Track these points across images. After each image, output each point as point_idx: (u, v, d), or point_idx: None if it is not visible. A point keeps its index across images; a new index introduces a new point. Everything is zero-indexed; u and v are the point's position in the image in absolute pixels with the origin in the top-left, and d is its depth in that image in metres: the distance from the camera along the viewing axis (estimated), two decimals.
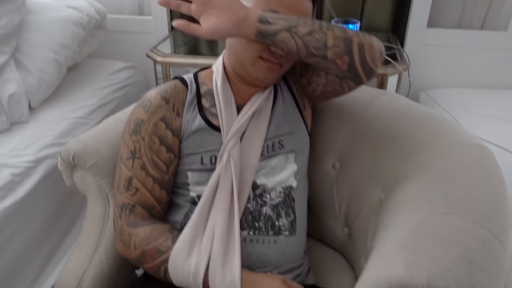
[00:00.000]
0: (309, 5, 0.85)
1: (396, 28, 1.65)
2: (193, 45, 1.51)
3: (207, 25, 0.73)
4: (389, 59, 1.31)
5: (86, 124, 1.30)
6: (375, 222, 0.91)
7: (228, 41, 0.89)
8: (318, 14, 1.66)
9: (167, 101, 0.91)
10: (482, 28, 1.63)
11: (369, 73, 0.81)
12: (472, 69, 1.64)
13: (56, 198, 1.14)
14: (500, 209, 0.75)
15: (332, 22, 1.31)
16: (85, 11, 1.43)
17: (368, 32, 1.54)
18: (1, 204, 0.97)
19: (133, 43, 1.78)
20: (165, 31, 1.74)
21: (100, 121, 1.33)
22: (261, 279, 0.78)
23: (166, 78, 1.42)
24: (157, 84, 1.55)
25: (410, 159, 0.91)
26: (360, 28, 1.48)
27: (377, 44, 0.80)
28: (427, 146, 0.91)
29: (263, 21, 0.76)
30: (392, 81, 1.33)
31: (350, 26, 1.29)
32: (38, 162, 1.10)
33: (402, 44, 1.62)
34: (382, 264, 0.66)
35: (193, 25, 0.74)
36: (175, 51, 1.48)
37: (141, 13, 1.83)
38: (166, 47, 1.49)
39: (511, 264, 0.76)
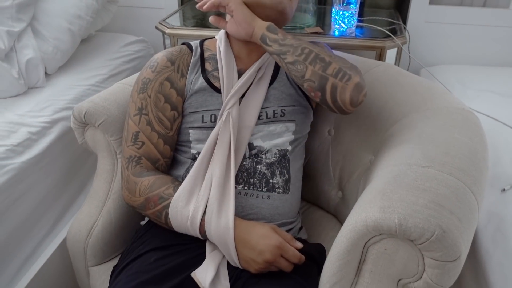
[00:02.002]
0: None
1: (399, 5, 1.68)
2: (201, 19, 1.57)
3: (231, 28, 0.92)
4: (388, 32, 1.35)
5: (98, 91, 1.37)
6: (365, 183, 0.97)
7: None
8: None
9: (172, 62, 0.98)
10: (484, 5, 1.64)
11: (341, 111, 0.88)
12: (473, 47, 1.65)
13: (69, 158, 1.22)
14: (476, 165, 0.80)
15: None
16: None
17: (371, 9, 1.58)
18: (18, 158, 1.05)
19: (144, 17, 1.83)
20: (175, 5, 1.80)
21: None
22: (253, 225, 0.85)
23: None
24: None
25: (398, 122, 0.97)
26: (362, 5, 1.51)
27: (355, 87, 0.84)
28: (415, 110, 0.97)
29: (263, 40, 0.89)
30: (390, 55, 1.37)
31: (352, 1, 1.33)
32: (53, 123, 1.18)
33: (404, 21, 1.65)
34: (361, 209, 0.72)
35: (223, 22, 0.93)
36: (184, 24, 1.54)
37: None
38: (175, 20, 1.55)
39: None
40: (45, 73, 1.32)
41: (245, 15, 0.89)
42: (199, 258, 0.86)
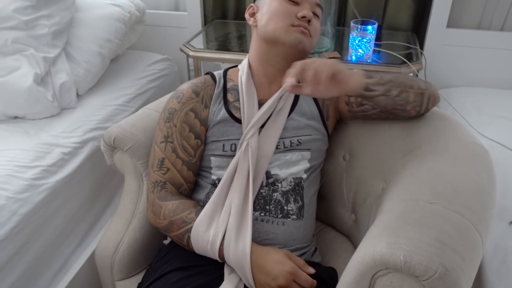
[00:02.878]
0: None
1: (417, 28, 1.71)
2: (223, 41, 1.64)
3: (316, 92, 0.86)
4: (403, 59, 1.39)
5: (125, 111, 1.46)
6: (376, 210, 1.02)
7: (259, 31, 1.02)
8: (342, 14, 1.74)
9: (197, 94, 1.04)
10: (502, 29, 1.66)
11: (419, 116, 1.03)
12: (490, 70, 1.67)
13: (97, 176, 1.30)
14: (483, 202, 0.84)
15: (352, 23, 1.40)
16: (126, 9, 1.57)
17: (389, 31, 1.62)
18: (53, 178, 1.13)
19: (168, 36, 1.91)
20: (199, 26, 1.87)
21: (137, 109, 1.48)
22: (268, 251, 0.90)
23: (197, 70, 1.56)
24: (189, 75, 1.68)
25: (410, 153, 1.01)
26: (380, 28, 1.55)
27: (436, 92, 1.00)
28: (426, 143, 1.01)
29: (367, 89, 0.95)
30: None
31: (369, 26, 1.38)
32: (83, 143, 1.26)
33: (422, 44, 1.68)
34: (370, 243, 0.77)
35: (300, 89, 0.87)
36: (207, 45, 1.61)
37: (176, 9, 1.96)
38: (199, 41, 1.62)
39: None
40: (77, 94, 1.40)
41: (346, 74, 0.90)
42: (219, 280, 0.92)
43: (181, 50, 1.55)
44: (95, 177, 1.29)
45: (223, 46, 1.57)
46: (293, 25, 0.97)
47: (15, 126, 1.25)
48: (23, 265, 1.03)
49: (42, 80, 1.28)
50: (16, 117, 1.30)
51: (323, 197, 1.21)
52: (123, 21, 1.54)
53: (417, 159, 0.97)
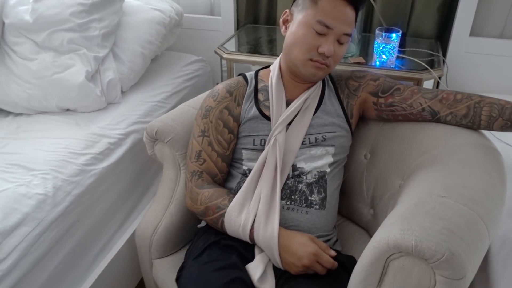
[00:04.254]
0: (352, 15, 1.04)
1: (441, 36, 1.77)
2: (254, 45, 1.74)
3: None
4: (425, 65, 1.46)
5: (163, 107, 1.58)
6: (393, 204, 1.10)
7: (285, 46, 1.11)
8: (368, 21, 1.82)
9: (230, 93, 1.15)
10: None
11: None
12: (510, 78, 1.72)
13: (137, 165, 1.43)
14: (491, 198, 0.91)
15: (377, 30, 1.48)
16: (167, 13, 1.70)
17: (413, 38, 1.69)
18: (100, 165, 1.26)
19: (203, 39, 2.02)
20: (232, 29, 1.98)
21: (173, 106, 1.60)
22: (294, 234, 0.99)
23: (229, 71, 1.66)
24: (222, 76, 1.79)
25: (426, 153, 1.08)
26: (404, 35, 1.62)
27: None
28: (442, 144, 1.08)
29: None
30: (428, 85, 1.49)
31: (393, 34, 1.46)
32: (126, 135, 1.38)
33: (445, 51, 1.74)
34: (385, 231, 0.86)
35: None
36: (239, 48, 1.71)
37: (211, 13, 2.07)
38: (231, 44, 1.73)
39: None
40: (121, 90, 1.54)
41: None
42: (249, 256, 1.02)
43: (216, 52, 1.66)
44: (135, 166, 1.41)
45: (254, 49, 1.68)
46: (311, 60, 1.04)
47: (67, 118, 1.39)
48: (73, 241, 1.16)
49: (92, 77, 1.41)
50: (68, 110, 1.44)
51: (344, 193, 1.29)
52: (163, 24, 1.67)
53: (433, 159, 1.05)
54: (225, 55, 1.62)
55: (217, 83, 1.21)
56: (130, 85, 1.58)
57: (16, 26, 1.38)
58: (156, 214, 1.22)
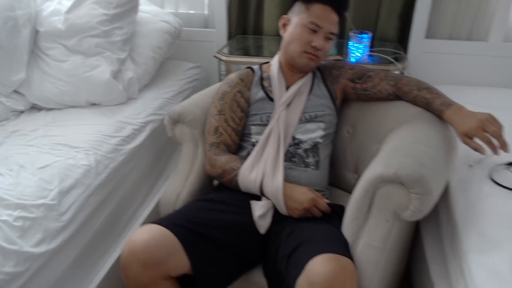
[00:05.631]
0: (336, 18, 1.34)
1: (402, 39, 2.09)
2: (245, 50, 2.02)
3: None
4: (391, 59, 1.77)
5: (172, 103, 1.80)
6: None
7: (284, 43, 1.38)
8: (342, 25, 2.13)
9: (242, 80, 1.40)
10: (468, 39, 2.04)
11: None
12: (460, 71, 2.04)
13: (156, 148, 1.64)
14: (448, 144, 1.19)
15: (350, 33, 1.78)
16: (172, 24, 1.95)
17: (380, 41, 1.99)
18: (128, 145, 1.46)
19: (199, 49, 2.27)
20: (224, 40, 2.24)
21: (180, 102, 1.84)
22: (295, 186, 1.23)
23: (228, 73, 1.92)
24: (219, 79, 2.04)
25: (396, 121, 1.34)
26: (372, 38, 1.94)
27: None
28: (407, 114, 1.33)
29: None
30: None
31: (365, 35, 1.77)
32: (146, 123, 1.60)
33: (406, 51, 2.07)
34: (371, 168, 1.11)
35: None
36: (231, 53, 1.98)
37: (206, 26, 2.34)
38: (226, 51, 2.00)
39: None
40: None
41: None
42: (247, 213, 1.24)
43: (215, 56, 1.92)
44: (154, 149, 1.64)
45: (246, 53, 1.95)
46: (306, 52, 1.32)
47: (95, 110, 1.60)
48: (112, 205, 1.36)
49: (115, 75, 1.64)
50: (94, 104, 1.66)
51: (332, 164, 1.53)
52: (170, 33, 1.92)
53: (401, 123, 1.32)
54: (224, 58, 1.89)
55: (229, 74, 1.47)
56: (144, 84, 1.81)
57: (50, 33, 1.60)
58: (178, 184, 1.43)
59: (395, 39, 2.09)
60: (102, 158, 1.35)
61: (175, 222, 1.13)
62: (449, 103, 1.25)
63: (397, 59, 1.81)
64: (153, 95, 1.79)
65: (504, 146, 1.15)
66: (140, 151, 1.53)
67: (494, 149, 1.14)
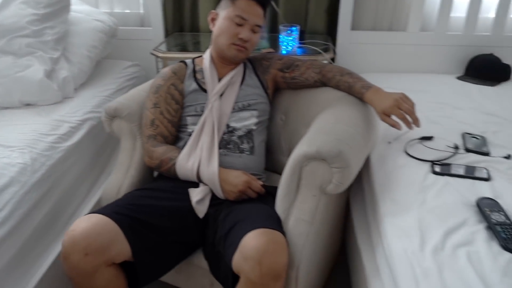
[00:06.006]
0: (261, 11, 1.41)
1: (331, 31, 2.22)
2: (182, 46, 2.07)
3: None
4: (319, 50, 1.88)
5: (110, 101, 1.81)
6: None
7: (214, 37, 1.44)
8: (274, 24, 2.23)
9: (175, 73, 1.45)
10: (389, 29, 2.20)
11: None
12: (384, 59, 2.19)
13: (96, 145, 1.65)
14: (367, 123, 1.31)
15: (280, 26, 1.88)
16: (106, 23, 1.96)
17: (311, 34, 2.11)
18: (65, 143, 1.46)
19: (137, 48, 2.28)
20: (161, 37, 2.27)
21: None
22: (230, 170, 1.30)
23: None
24: None
25: (322, 105, 1.45)
26: (303, 32, 2.05)
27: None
28: (331, 98, 1.45)
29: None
30: None
31: (293, 28, 1.87)
32: (84, 121, 1.60)
33: (335, 43, 2.20)
34: (297, 149, 1.20)
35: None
36: (169, 50, 2.02)
37: (142, 25, 2.36)
38: (163, 48, 2.04)
39: None
40: None
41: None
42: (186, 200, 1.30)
43: (152, 53, 1.95)
44: (94, 146, 1.64)
45: (182, 49, 2.00)
46: (233, 44, 1.39)
47: (30, 110, 1.58)
48: (51, 202, 1.36)
49: (49, 75, 1.63)
50: (28, 105, 1.64)
51: (268, 150, 1.62)
52: (104, 32, 1.93)
53: (326, 107, 1.43)
54: (160, 54, 1.92)
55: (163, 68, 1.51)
56: (80, 83, 1.80)
57: None
58: (118, 177, 1.46)
59: (325, 32, 2.21)
60: (38, 156, 1.35)
61: (116, 210, 1.16)
62: (369, 86, 1.37)
63: (325, 50, 1.93)
64: (91, 93, 1.79)
65: (416, 121, 1.28)
66: (79, 148, 1.54)
67: (409, 124, 1.27)
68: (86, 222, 1.08)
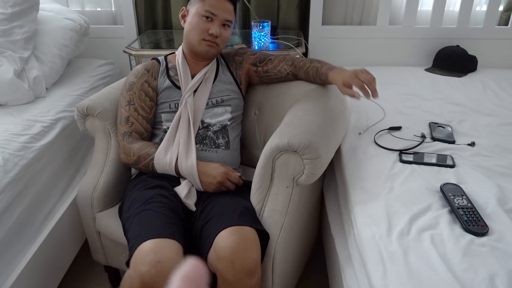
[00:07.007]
0: (231, 6, 1.41)
1: (303, 27, 2.26)
2: (155, 43, 2.07)
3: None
4: (291, 45, 1.91)
5: (83, 100, 1.81)
6: None
7: (185, 33, 1.44)
8: (246, 20, 2.25)
9: (148, 70, 1.45)
10: (360, 24, 2.25)
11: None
12: (354, 53, 2.24)
13: (70, 144, 1.63)
14: (336, 115, 1.35)
15: (252, 22, 1.90)
16: (77, 21, 1.94)
17: (284, 30, 2.13)
18: (39, 143, 1.45)
19: (110, 46, 2.27)
20: (134, 35, 2.26)
21: None
22: (208, 162, 1.32)
23: None
24: None
25: (294, 99, 1.48)
26: (275, 28, 2.07)
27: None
28: (302, 92, 1.47)
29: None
30: None
31: (265, 24, 1.89)
32: (57, 120, 1.59)
33: (307, 38, 2.24)
34: (269, 142, 1.22)
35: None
36: (142, 47, 2.02)
37: (114, 22, 2.35)
38: (136, 45, 2.03)
39: None
40: None
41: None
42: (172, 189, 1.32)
43: (124, 51, 1.95)
44: (69, 145, 1.63)
45: (155, 46, 2.00)
46: (204, 39, 1.39)
47: (1, 110, 1.55)
48: (25, 203, 1.35)
49: (19, 74, 1.61)
50: None
51: (243, 145, 1.64)
52: (75, 31, 1.91)
53: (298, 102, 1.45)
54: (133, 52, 1.92)
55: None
56: (52, 82, 1.78)
57: None
58: (94, 176, 1.46)
59: (297, 27, 2.24)
60: (11, 156, 1.33)
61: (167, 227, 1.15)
62: (334, 67, 1.40)
63: (298, 45, 1.96)
64: (63, 92, 1.77)
65: (374, 92, 1.25)
66: (53, 147, 1.52)
67: (367, 93, 1.25)
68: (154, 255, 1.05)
